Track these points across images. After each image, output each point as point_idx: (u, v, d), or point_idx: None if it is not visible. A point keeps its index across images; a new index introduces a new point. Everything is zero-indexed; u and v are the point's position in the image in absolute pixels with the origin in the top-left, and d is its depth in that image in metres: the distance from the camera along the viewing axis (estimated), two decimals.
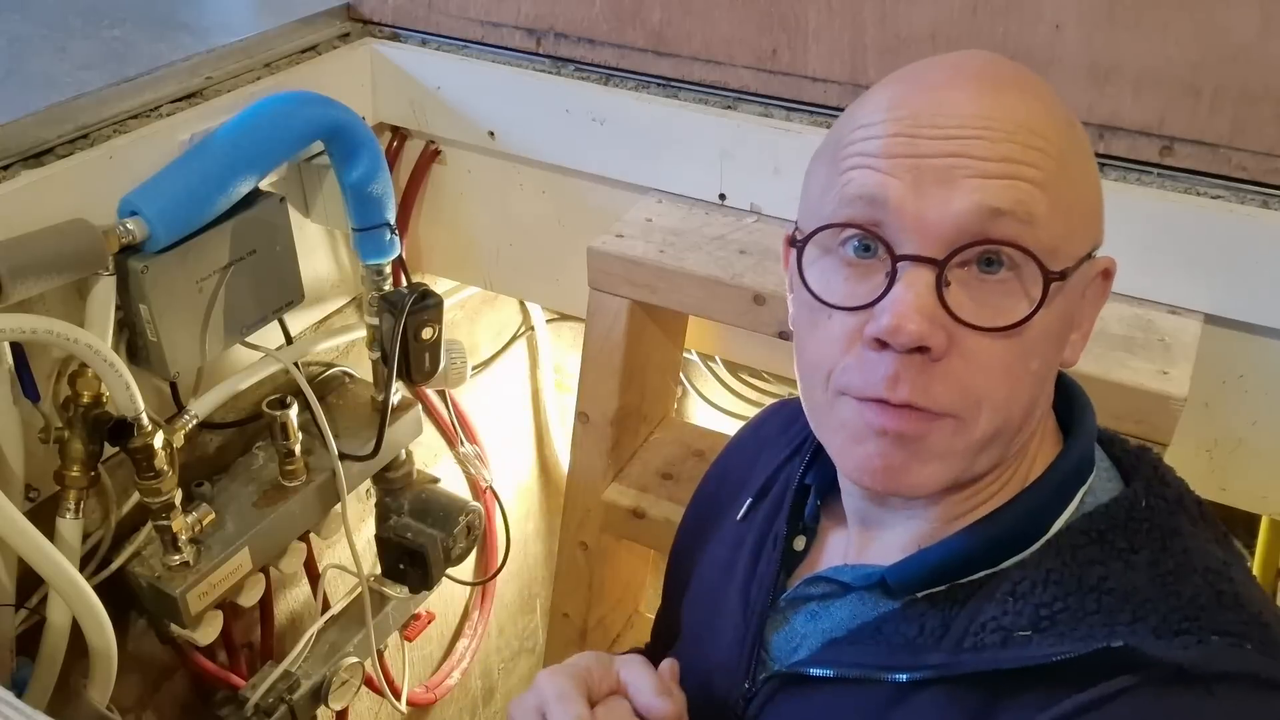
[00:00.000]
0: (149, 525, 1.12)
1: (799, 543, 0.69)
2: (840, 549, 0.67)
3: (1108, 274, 0.60)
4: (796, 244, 0.58)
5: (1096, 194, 0.58)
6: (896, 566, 0.60)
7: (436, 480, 1.47)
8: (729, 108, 1.18)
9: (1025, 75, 0.57)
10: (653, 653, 0.88)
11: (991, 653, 0.54)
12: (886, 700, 0.57)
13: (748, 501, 0.75)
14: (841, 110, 0.60)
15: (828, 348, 0.56)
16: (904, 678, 0.57)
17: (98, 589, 1.03)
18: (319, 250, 1.38)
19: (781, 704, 0.63)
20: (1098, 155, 1.03)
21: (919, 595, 0.59)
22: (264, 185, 1.16)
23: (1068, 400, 0.63)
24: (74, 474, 1.03)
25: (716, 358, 1.80)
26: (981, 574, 0.58)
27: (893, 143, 0.53)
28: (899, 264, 0.52)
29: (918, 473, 0.55)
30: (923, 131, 0.52)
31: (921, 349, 0.52)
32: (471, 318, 1.74)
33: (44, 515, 1.02)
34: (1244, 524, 1.52)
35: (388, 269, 1.27)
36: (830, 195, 0.56)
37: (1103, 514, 0.57)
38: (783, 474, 0.74)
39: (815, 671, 0.61)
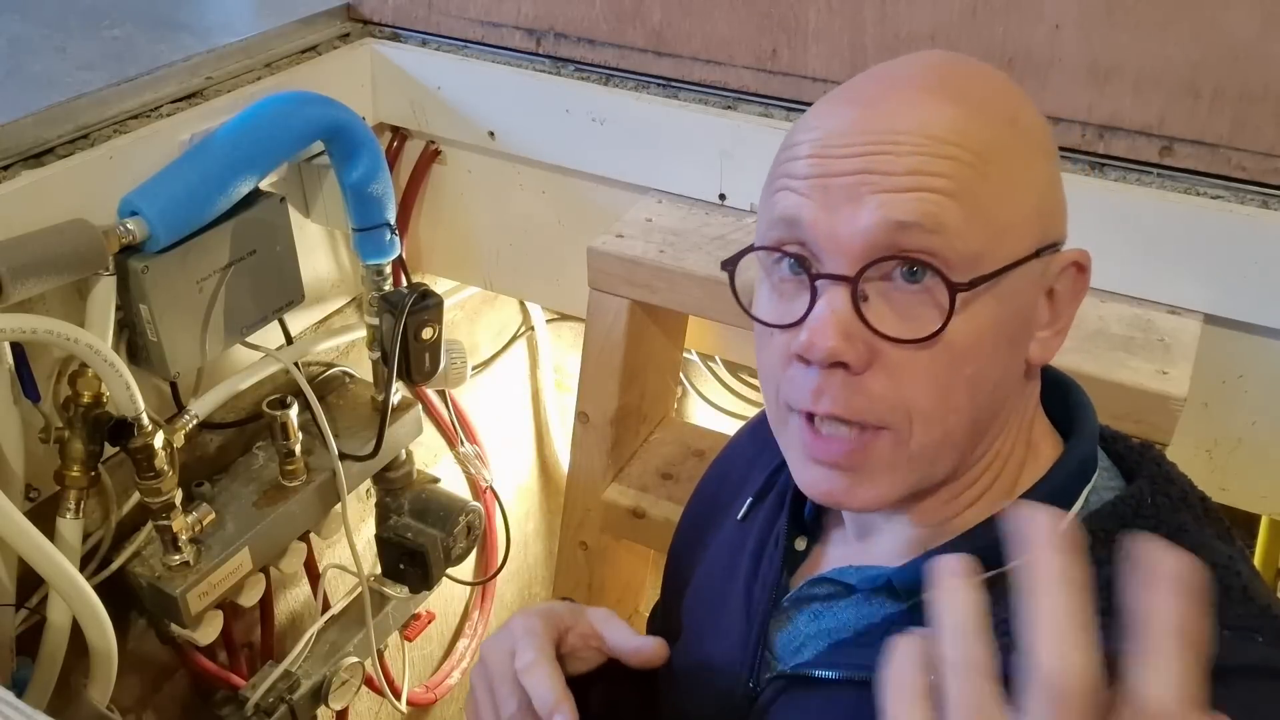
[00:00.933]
0: (149, 525, 1.12)
1: (800, 543, 0.69)
2: (842, 549, 0.67)
3: (1080, 267, 0.59)
4: (725, 267, 0.60)
5: (1041, 192, 0.56)
6: (903, 569, 0.60)
7: (436, 480, 1.47)
8: (729, 108, 1.18)
9: (958, 77, 0.56)
10: None
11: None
12: None
13: (748, 502, 0.75)
14: None
15: (773, 364, 0.58)
16: None
17: (98, 589, 1.03)
18: (319, 250, 1.38)
19: (786, 704, 0.63)
20: (1098, 155, 1.03)
21: (925, 597, 0.59)
22: (264, 185, 1.16)
23: (1064, 400, 0.63)
24: (74, 474, 1.03)
25: (716, 358, 1.80)
26: (988, 575, 0.58)
27: (808, 164, 0.55)
28: (817, 282, 0.54)
29: (863, 493, 0.56)
30: (833, 151, 0.54)
31: (843, 364, 0.53)
32: (471, 318, 1.74)
33: (44, 515, 1.02)
34: (1244, 524, 1.52)
35: (388, 269, 1.27)
36: (763, 218, 0.58)
37: (1109, 513, 0.57)
38: (782, 474, 0.74)
39: (820, 673, 0.61)
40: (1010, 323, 0.55)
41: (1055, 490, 0.59)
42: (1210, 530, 0.58)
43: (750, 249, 0.58)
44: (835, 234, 0.53)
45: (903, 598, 0.60)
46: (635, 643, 0.64)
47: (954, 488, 0.59)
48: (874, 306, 0.53)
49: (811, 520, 0.70)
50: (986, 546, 0.58)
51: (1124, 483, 0.61)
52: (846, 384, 0.54)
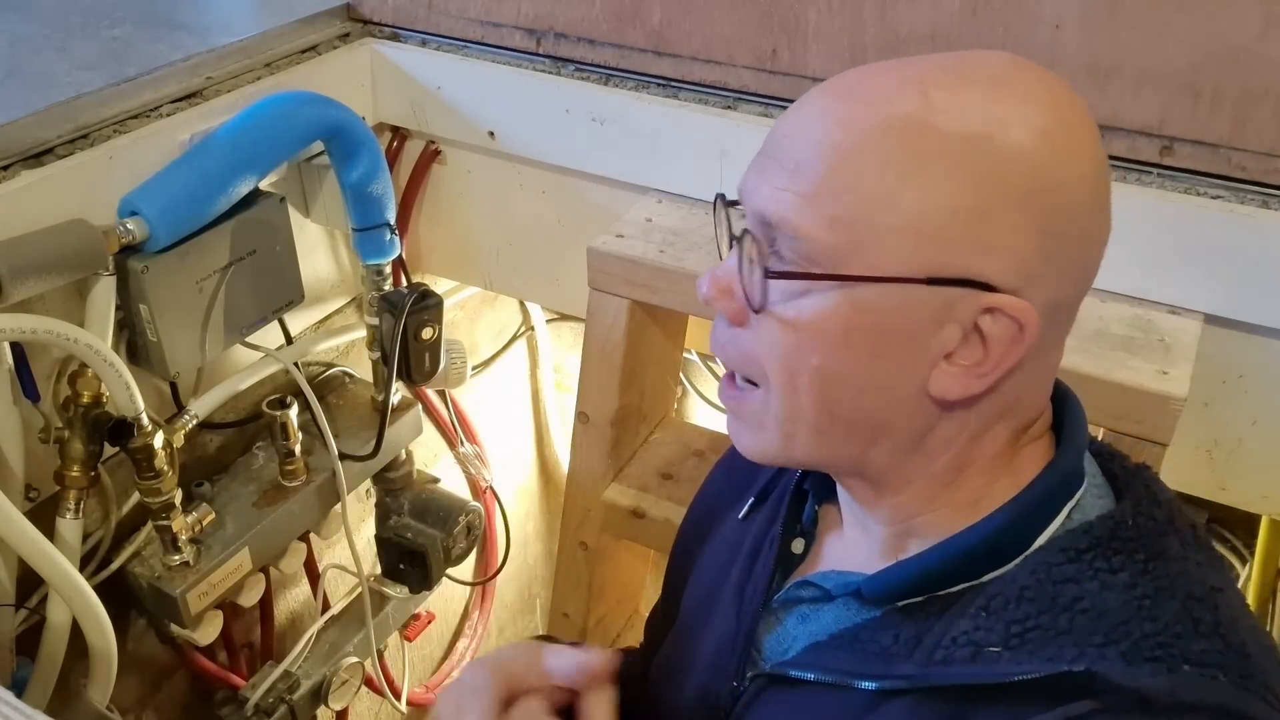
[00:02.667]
0: (149, 525, 1.12)
1: (797, 545, 0.70)
2: (836, 553, 0.68)
3: (1022, 328, 0.53)
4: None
5: (959, 221, 0.52)
6: (873, 578, 0.61)
7: (436, 480, 1.47)
8: (729, 108, 1.18)
9: (898, 86, 0.54)
10: (646, 649, 0.88)
11: (959, 667, 0.54)
12: (859, 707, 0.57)
13: (750, 501, 0.75)
14: None
15: None
16: (874, 686, 0.57)
17: (98, 589, 1.03)
18: (319, 250, 1.38)
19: (766, 703, 0.64)
20: None
21: (898, 605, 0.60)
22: (264, 185, 1.16)
23: (1060, 413, 0.62)
24: (74, 474, 1.03)
25: (716, 358, 1.80)
26: (961, 587, 0.58)
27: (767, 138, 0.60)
28: (733, 238, 0.60)
29: (744, 440, 0.61)
30: (774, 133, 0.58)
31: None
32: (471, 318, 1.74)
33: (44, 515, 1.03)
34: (1244, 524, 1.52)
35: (388, 269, 1.27)
36: None
37: (1085, 532, 0.56)
38: (785, 475, 0.74)
39: (796, 673, 0.62)
40: (870, 334, 0.54)
41: (1032, 503, 0.58)
42: (1200, 557, 0.57)
43: (719, 198, 0.64)
44: (745, 200, 0.58)
45: (873, 604, 0.61)
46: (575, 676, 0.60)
47: (882, 488, 0.60)
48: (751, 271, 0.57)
49: (809, 522, 0.70)
50: (955, 559, 0.58)
51: (1114, 502, 0.59)
52: (729, 335, 0.59)
